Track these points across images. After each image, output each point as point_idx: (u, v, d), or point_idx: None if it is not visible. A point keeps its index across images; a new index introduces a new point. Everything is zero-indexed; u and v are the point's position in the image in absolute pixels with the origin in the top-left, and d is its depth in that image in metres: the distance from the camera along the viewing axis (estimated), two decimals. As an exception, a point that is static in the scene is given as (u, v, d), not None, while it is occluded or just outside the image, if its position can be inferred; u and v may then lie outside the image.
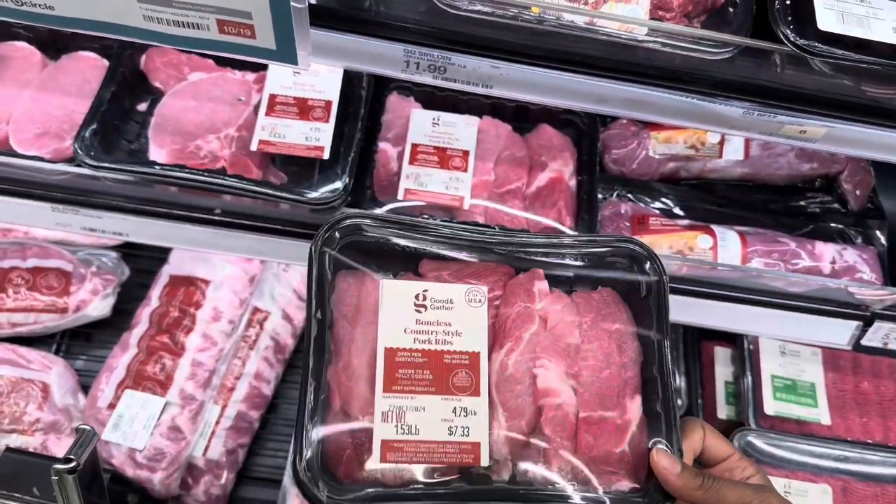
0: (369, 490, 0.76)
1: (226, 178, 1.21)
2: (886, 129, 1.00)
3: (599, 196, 1.41)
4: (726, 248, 1.37)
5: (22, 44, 1.41)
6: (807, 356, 1.73)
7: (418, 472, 0.78)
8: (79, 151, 1.21)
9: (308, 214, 1.25)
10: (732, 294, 1.34)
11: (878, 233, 1.47)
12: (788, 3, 0.91)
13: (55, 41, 1.41)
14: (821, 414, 1.65)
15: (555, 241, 0.92)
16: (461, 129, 1.36)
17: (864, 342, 1.36)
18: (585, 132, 1.43)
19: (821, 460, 1.58)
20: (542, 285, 0.90)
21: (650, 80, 0.97)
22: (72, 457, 0.82)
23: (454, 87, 1.00)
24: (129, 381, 1.55)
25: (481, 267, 0.90)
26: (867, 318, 1.34)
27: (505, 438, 0.81)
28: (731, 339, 1.80)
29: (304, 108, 1.28)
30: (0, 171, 1.25)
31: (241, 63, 1.36)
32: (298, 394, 0.79)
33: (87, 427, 0.85)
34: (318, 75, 1.30)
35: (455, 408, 0.80)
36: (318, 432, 0.77)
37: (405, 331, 0.83)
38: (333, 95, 1.29)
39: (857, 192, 1.50)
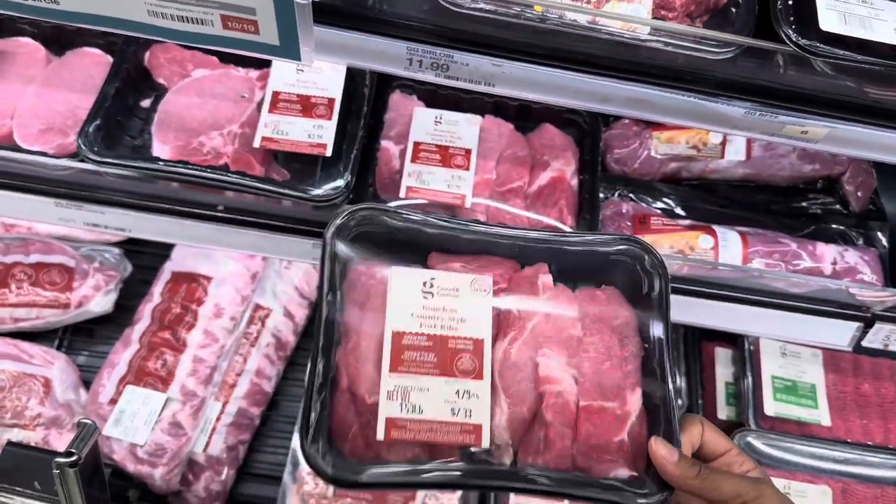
0: (373, 465, 0.79)
1: (228, 174, 1.21)
2: (888, 129, 1.00)
3: (601, 196, 1.41)
4: (727, 248, 1.37)
5: (26, 39, 1.41)
6: (807, 357, 1.73)
7: (421, 451, 0.80)
8: (82, 147, 1.21)
9: (310, 211, 1.25)
10: (733, 294, 1.33)
11: (879, 234, 1.46)
12: (791, 3, 0.91)
13: (59, 37, 1.41)
14: (821, 415, 1.65)
15: (559, 237, 0.94)
16: (463, 128, 1.36)
17: (864, 343, 1.36)
18: (587, 132, 1.44)
19: (821, 462, 1.58)
20: (546, 279, 0.92)
21: (652, 79, 0.97)
22: (73, 450, 0.82)
23: (457, 85, 1.00)
24: (130, 376, 1.56)
25: (488, 261, 0.92)
26: (868, 319, 1.34)
27: (507, 424, 0.83)
28: (732, 340, 1.80)
29: (307, 106, 1.28)
30: (4, 166, 1.26)
31: (245, 60, 1.37)
32: (307, 371, 0.81)
33: (89, 421, 0.85)
34: (321, 73, 1.31)
35: (458, 390, 0.82)
36: (325, 409, 0.80)
37: (412, 315, 0.85)
38: (336, 93, 1.29)
39: (859, 194, 1.50)
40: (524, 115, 1.44)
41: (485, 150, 1.35)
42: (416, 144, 1.34)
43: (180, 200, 1.27)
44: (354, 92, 1.34)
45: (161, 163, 1.22)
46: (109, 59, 1.37)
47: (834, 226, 1.48)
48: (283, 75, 1.31)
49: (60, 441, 1.53)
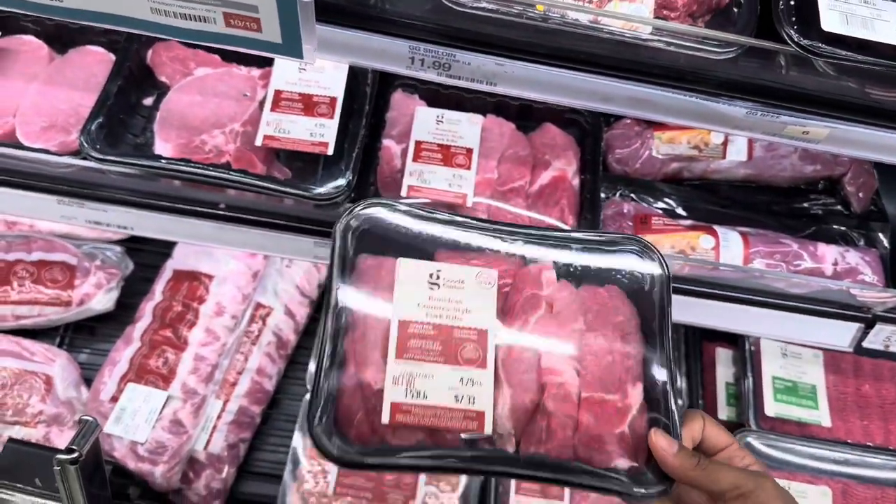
0: (377, 449, 0.80)
1: (230, 172, 1.22)
2: (889, 130, 1.00)
3: (602, 195, 1.41)
4: (728, 248, 1.37)
5: (29, 37, 1.41)
6: (808, 358, 1.73)
7: (425, 437, 0.82)
8: (84, 145, 1.21)
9: (312, 210, 1.26)
10: (734, 294, 1.34)
11: (880, 235, 1.46)
12: (793, 3, 0.91)
13: (62, 35, 1.42)
14: (821, 416, 1.65)
15: (563, 235, 0.97)
16: (465, 127, 1.36)
17: (865, 344, 1.36)
18: (589, 131, 1.44)
19: (821, 462, 1.58)
20: (550, 275, 0.93)
21: (654, 79, 0.97)
22: (74, 448, 0.82)
23: (458, 84, 1.00)
24: (131, 374, 1.56)
25: (493, 257, 0.94)
26: (869, 320, 1.34)
27: (509, 413, 0.84)
28: (733, 341, 1.80)
29: (308, 105, 1.28)
30: (6, 164, 1.26)
31: (247, 59, 1.37)
32: (315, 354, 0.81)
33: (90, 418, 0.86)
34: (323, 72, 1.31)
35: (462, 377, 0.84)
36: (332, 393, 0.82)
37: (418, 305, 0.87)
38: (338, 92, 1.29)
39: (860, 195, 1.50)
40: (526, 115, 1.44)
41: (486, 150, 1.35)
42: (418, 143, 1.34)
43: (182, 198, 1.28)
44: (356, 91, 1.34)
45: (163, 161, 1.23)
46: (112, 57, 1.37)
47: (835, 226, 1.48)
48: (285, 74, 1.31)
49: (61, 438, 1.54)
